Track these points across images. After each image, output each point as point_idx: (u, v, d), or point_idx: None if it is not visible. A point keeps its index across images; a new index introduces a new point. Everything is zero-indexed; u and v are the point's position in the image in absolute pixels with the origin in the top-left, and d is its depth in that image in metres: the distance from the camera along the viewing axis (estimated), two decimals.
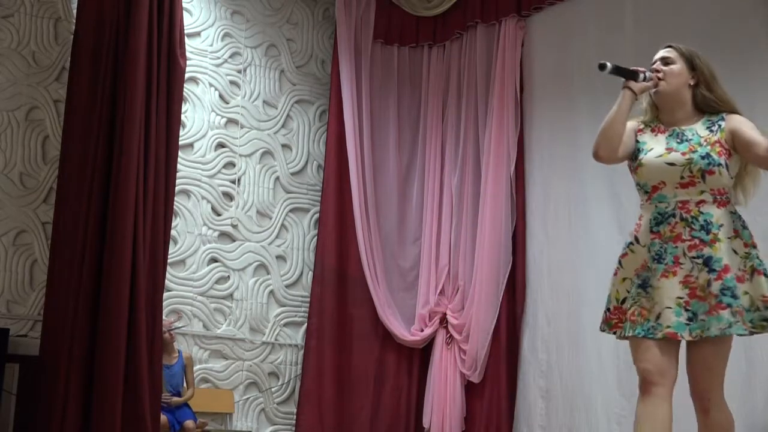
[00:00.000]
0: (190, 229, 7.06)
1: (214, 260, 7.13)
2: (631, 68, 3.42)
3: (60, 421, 5.53)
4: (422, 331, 7.12)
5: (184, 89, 6.54)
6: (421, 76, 7.65)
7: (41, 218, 6.47)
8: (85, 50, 6.06)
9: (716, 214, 3.27)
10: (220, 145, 7.28)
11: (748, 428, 4.85)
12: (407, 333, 7.16)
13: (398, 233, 7.43)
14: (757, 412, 4.92)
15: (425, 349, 7.16)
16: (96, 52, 6.06)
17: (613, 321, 3.42)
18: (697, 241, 3.26)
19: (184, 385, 6.45)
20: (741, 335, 3.20)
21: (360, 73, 7.51)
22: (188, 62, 6.61)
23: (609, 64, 3.37)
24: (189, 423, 6.24)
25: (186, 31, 6.62)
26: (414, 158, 7.57)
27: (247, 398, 7.11)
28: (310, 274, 7.36)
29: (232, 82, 7.40)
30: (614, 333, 3.43)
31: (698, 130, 3.40)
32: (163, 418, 6.05)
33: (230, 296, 7.16)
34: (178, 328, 6.63)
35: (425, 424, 6.93)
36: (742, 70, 5.27)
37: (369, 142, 7.42)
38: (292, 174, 7.57)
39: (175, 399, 6.27)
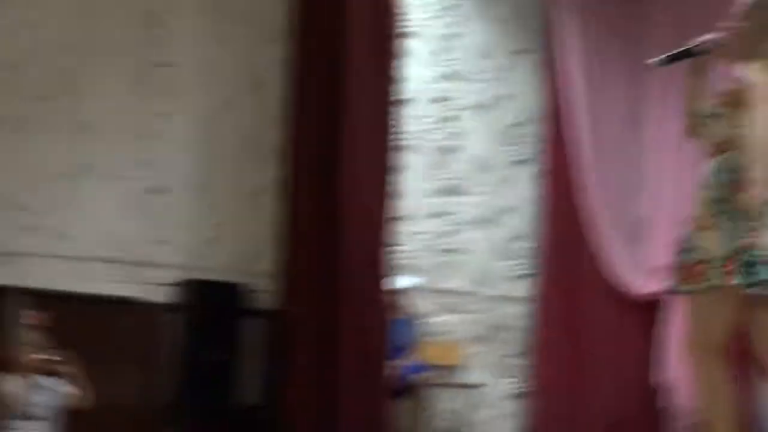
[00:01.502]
0: (413, 184, 7.03)
1: (438, 215, 7.12)
2: None
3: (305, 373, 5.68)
4: (656, 284, 6.85)
5: (402, 44, 6.51)
6: (642, 21, 7.31)
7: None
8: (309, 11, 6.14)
9: None
10: (439, 99, 7.23)
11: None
12: (640, 286, 6.96)
13: (625, 183, 7.20)
14: None
15: (658, 303, 6.89)
16: (317, 11, 6.13)
17: None
18: None
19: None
20: None
21: (578, 20, 7.27)
22: (405, 17, 6.55)
23: None
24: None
25: None
26: (638, 106, 7.30)
27: (477, 352, 7.11)
28: (535, 226, 7.24)
29: (449, 35, 7.31)
30: None
31: None
32: None
33: (456, 250, 7.15)
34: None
35: (656, 380, 6.74)
36: None
37: (589, 91, 7.19)
38: (512, 126, 7.44)
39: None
